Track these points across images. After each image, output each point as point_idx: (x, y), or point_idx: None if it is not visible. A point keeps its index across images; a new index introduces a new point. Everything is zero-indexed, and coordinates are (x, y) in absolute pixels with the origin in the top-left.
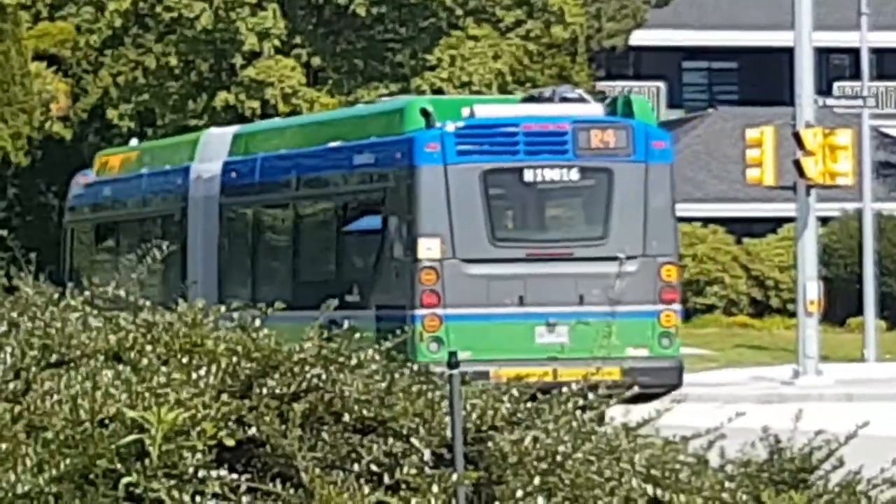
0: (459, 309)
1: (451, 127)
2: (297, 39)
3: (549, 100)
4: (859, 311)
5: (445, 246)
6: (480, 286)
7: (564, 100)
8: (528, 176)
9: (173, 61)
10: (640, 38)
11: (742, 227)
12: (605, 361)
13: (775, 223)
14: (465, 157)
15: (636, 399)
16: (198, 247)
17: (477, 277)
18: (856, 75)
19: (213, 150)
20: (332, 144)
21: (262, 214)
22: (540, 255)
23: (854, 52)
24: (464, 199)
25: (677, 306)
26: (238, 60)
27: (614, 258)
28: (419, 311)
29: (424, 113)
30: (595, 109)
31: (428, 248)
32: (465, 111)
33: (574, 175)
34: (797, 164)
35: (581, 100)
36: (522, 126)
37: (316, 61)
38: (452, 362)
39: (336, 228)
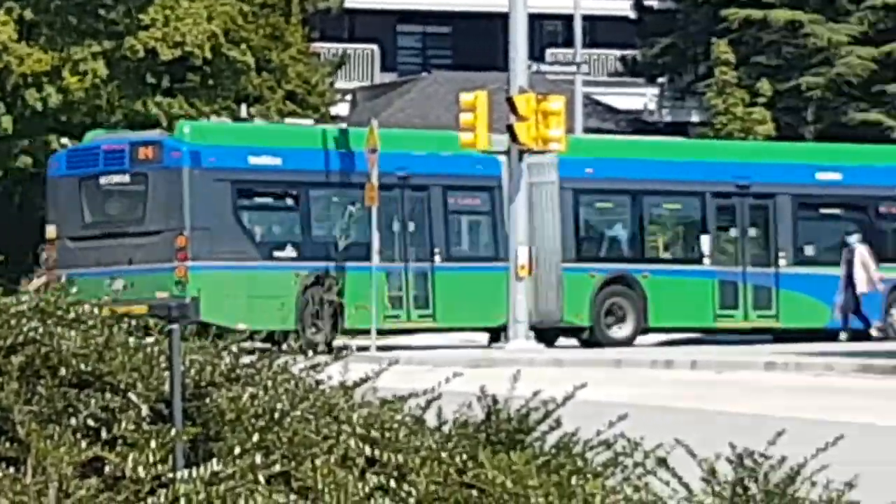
0: (68, 269)
1: (66, 149)
2: None
3: None
4: None
5: (59, 229)
6: (77, 254)
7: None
8: (103, 180)
9: None
10: (354, 0)
11: None
12: (140, 302)
13: None
14: (72, 170)
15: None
16: None
17: (74, 249)
18: (568, 42)
19: None
20: None
21: None
22: (109, 233)
23: (567, 19)
24: (69, 199)
25: (188, 262)
26: None
27: (151, 233)
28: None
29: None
30: (152, 134)
31: (50, 231)
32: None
33: (127, 179)
34: (510, 128)
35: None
36: (103, 147)
37: (28, 16)
38: (173, 317)
39: None
